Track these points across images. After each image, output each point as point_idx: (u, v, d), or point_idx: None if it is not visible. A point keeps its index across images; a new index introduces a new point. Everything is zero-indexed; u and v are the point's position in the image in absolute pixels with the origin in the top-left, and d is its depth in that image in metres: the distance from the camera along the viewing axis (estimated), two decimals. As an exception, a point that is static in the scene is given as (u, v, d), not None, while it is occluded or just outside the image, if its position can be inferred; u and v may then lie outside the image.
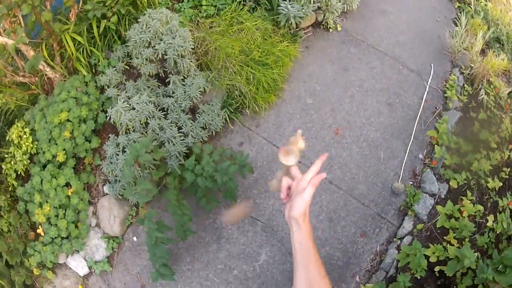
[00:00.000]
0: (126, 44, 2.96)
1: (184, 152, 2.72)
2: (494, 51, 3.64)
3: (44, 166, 2.86)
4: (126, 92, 2.83)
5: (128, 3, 3.03)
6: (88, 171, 2.94)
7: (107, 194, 2.93)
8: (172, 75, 2.85)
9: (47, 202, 2.76)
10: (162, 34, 2.76)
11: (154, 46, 2.74)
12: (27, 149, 2.86)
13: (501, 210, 2.89)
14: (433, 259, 2.55)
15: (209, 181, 2.55)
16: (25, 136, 2.88)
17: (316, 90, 3.31)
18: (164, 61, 2.82)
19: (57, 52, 3.01)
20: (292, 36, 3.44)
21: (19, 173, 2.90)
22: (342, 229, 2.82)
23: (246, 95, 3.05)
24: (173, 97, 2.82)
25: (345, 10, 3.66)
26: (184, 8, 3.26)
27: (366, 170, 3.01)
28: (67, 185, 2.83)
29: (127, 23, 3.08)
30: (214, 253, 2.78)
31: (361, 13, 3.81)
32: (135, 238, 2.91)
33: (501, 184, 2.99)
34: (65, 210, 2.78)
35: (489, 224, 2.78)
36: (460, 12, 4.01)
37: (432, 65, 3.57)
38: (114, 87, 2.91)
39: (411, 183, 2.99)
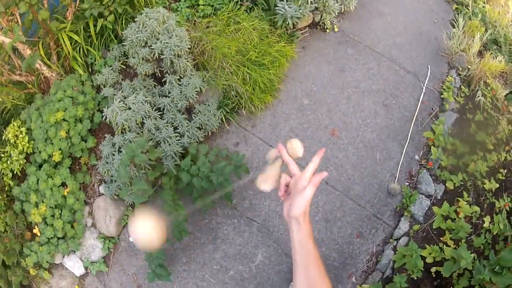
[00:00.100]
0: (122, 43, 2.95)
1: (180, 153, 2.72)
2: (491, 53, 3.64)
3: (40, 166, 2.85)
4: (122, 91, 2.82)
5: (125, 2, 3.02)
6: (84, 171, 2.93)
7: (103, 194, 2.92)
8: (169, 74, 2.84)
9: (43, 202, 2.75)
10: (158, 34, 2.75)
11: (151, 46, 2.74)
12: (23, 149, 2.85)
13: (497, 211, 2.90)
14: (429, 260, 2.55)
15: (204, 182, 2.55)
16: (21, 135, 2.87)
17: (312, 90, 3.31)
18: (160, 60, 2.81)
19: (53, 51, 3.00)
20: (289, 36, 3.43)
21: (15, 172, 2.89)
22: (338, 230, 2.82)
23: (242, 95, 3.05)
24: (169, 97, 2.81)
25: (342, 11, 3.67)
26: (181, 8, 3.25)
27: (362, 171, 3.01)
28: (63, 185, 2.81)
29: (124, 22, 3.08)
30: (210, 253, 2.78)
31: (359, 14, 3.81)
32: (131, 239, 2.90)
33: (498, 185, 3.00)
34: (61, 210, 2.77)
35: (486, 225, 2.78)
36: (458, 14, 4.02)
37: (429, 66, 3.58)
38: (110, 86, 2.90)
39: (407, 184, 2.99)
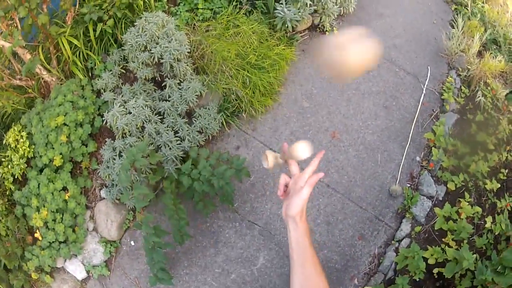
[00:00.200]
0: (122, 47, 2.96)
1: (181, 156, 2.72)
2: (491, 53, 3.64)
3: (41, 170, 2.85)
4: (122, 96, 2.83)
5: (125, 6, 3.02)
6: (85, 175, 2.94)
7: (104, 198, 2.93)
8: (168, 79, 2.84)
9: (44, 206, 2.75)
10: (158, 38, 2.76)
11: (150, 50, 2.74)
12: (24, 153, 2.86)
13: (499, 211, 2.89)
14: (431, 261, 2.55)
15: (206, 185, 2.55)
16: (22, 140, 2.88)
17: (312, 93, 3.31)
18: (160, 65, 2.82)
19: (53, 55, 3.00)
20: (289, 39, 3.43)
21: (16, 177, 2.90)
22: (340, 232, 2.82)
23: (242, 98, 3.05)
24: (169, 101, 2.81)
25: (342, 13, 3.66)
26: (180, 12, 3.25)
27: (363, 173, 3.01)
28: (64, 189, 2.82)
29: (123, 26, 3.08)
30: (212, 257, 2.78)
31: (358, 16, 3.81)
32: (132, 242, 2.90)
33: (499, 185, 2.99)
34: (62, 214, 2.78)
35: (488, 225, 2.78)
36: (457, 14, 4.02)
37: (428, 67, 3.58)
38: (110, 91, 2.91)
39: (408, 185, 2.99)
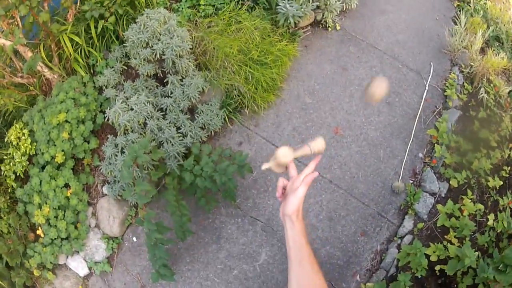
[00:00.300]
0: (124, 44, 2.95)
1: (183, 153, 2.72)
2: (493, 50, 3.62)
3: (43, 167, 2.85)
4: (124, 92, 2.82)
5: (126, 3, 3.02)
6: (87, 172, 2.93)
7: (106, 195, 2.93)
8: (170, 75, 2.84)
9: (46, 203, 2.76)
10: (160, 34, 2.75)
11: (152, 46, 2.74)
12: (25, 150, 2.85)
13: (501, 209, 2.88)
14: (433, 258, 2.55)
15: (208, 182, 2.54)
16: (23, 137, 2.88)
17: (315, 89, 3.31)
18: (162, 61, 2.81)
19: (55, 53, 3.00)
20: (291, 35, 3.42)
21: (18, 174, 2.89)
22: (342, 228, 2.82)
23: (245, 94, 3.05)
24: (171, 97, 2.81)
25: (344, 9, 3.65)
26: (182, 8, 3.25)
27: (366, 169, 3.00)
28: (66, 186, 2.82)
29: (125, 23, 3.07)
30: (214, 253, 2.78)
31: (360, 12, 3.80)
32: (134, 239, 2.90)
33: (502, 183, 2.99)
34: (65, 211, 2.77)
35: (490, 223, 2.77)
36: (460, 11, 4.00)
37: (431, 63, 3.56)
38: (112, 87, 2.90)
39: (411, 182, 2.98)
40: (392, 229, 2.84)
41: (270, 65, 3.15)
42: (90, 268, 2.87)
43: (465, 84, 3.47)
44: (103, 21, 2.97)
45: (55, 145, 2.77)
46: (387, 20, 3.81)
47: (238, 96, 3.06)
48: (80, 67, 3.03)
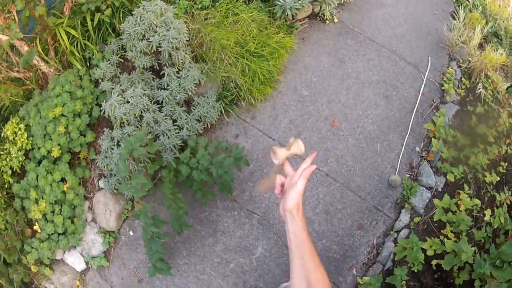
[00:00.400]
0: (120, 37, 2.93)
1: (179, 145, 2.70)
2: (492, 46, 3.61)
3: (40, 162, 2.84)
4: (120, 85, 2.80)
5: (122, -5, 3.00)
6: (83, 166, 2.93)
7: (102, 188, 2.92)
8: (167, 67, 2.82)
9: (42, 198, 2.75)
10: (156, 26, 2.73)
11: (149, 39, 2.72)
12: (22, 145, 2.84)
13: (498, 204, 2.89)
14: (430, 253, 2.55)
15: (204, 174, 2.53)
16: (20, 132, 2.87)
17: (312, 81, 3.29)
18: (158, 53, 2.79)
19: (51, 46, 2.98)
20: (288, 27, 3.40)
21: (14, 169, 2.88)
22: (339, 221, 2.81)
23: (241, 87, 3.03)
24: (167, 89, 2.79)
25: (342, 2, 3.64)
26: (179, 0, 3.23)
27: (363, 162, 3.00)
28: (63, 180, 2.81)
29: (121, 15, 3.06)
30: (211, 246, 2.77)
31: (358, 5, 3.78)
32: (131, 233, 2.90)
33: (499, 178, 2.99)
34: (61, 206, 2.77)
35: (486, 218, 2.78)
36: (458, 6, 3.98)
37: (429, 58, 3.55)
38: (108, 80, 2.89)
39: (408, 176, 2.98)
40: (388, 223, 2.84)
41: (267, 57, 3.13)
42: (87, 263, 2.87)
43: (463, 79, 3.46)
44: (99, 13, 2.95)
45: (51, 139, 2.76)
46: (385, 13, 3.79)
47: (235, 88, 3.05)
48: (76, 60, 3.01)
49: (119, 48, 3.02)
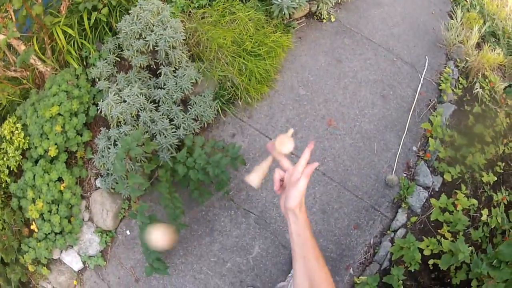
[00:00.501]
0: (117, 36, 2.93)
1: (176, 145, 2.70)
2: (489, 46, 3.61)
3: (36, 161, 2.83)
4: (117, 84, 2.80)
5: (119, -6, 3.00)
6: (80, 165, 2.92)
7: (99, 188, 2.92)
8: (164, 66, 2.82)
9: (39, 197, 2.74)
10: (153, 25, 2.73)
11: (145, 38, 2.71)
12: (19, 145, 2.83)
13: (495, 204, 2.89)
14: (427, 252, 2.55)
15: (201, 174, 2.53)
16: (17, 131, 2.86)
17: (309, 81, 3.29)
18: (155, 52, 2.79)
19: (48, 45, 2.98)
20: (285, 26, 3.40)
21: (11, 169, 2.87)
22: (336, 221, 2.81)
23: (238, 86, 3.03)
24: (164, 88, 2.79)
25: (339, 1, 3.64)
26: (176, -1, 3.22)
27: (360, 162, 3.00)
28: (60, 179, 2.80)
29: (118, 14, 3.05)
30: (207, 245, 2.77)
31: (355, 4, 3.78)
32: (128, 232, 2.89)
33: (496, 178, 2.99)
34: (58, 205, 2.76)
35: (483, 218, 2.78)
36: (456, 6, 3.98)
37: (426, 57, 3.55)
38: (105, 79, 2.88)
39: (405, 175, 2.98)
40: (385, 223, 2.84)
41: (264, 56, 3.13)
42: (84, 263, 2.87)
43: (460, 78, 3.46)
44: (96, 12, 2.94)
45: (48, 139, 2.75)
46: (382, 12, 3.79)
47: (232, 87, 3.05)
48: (73, 60, 3.01)
49: (116, 47, 3.02)
